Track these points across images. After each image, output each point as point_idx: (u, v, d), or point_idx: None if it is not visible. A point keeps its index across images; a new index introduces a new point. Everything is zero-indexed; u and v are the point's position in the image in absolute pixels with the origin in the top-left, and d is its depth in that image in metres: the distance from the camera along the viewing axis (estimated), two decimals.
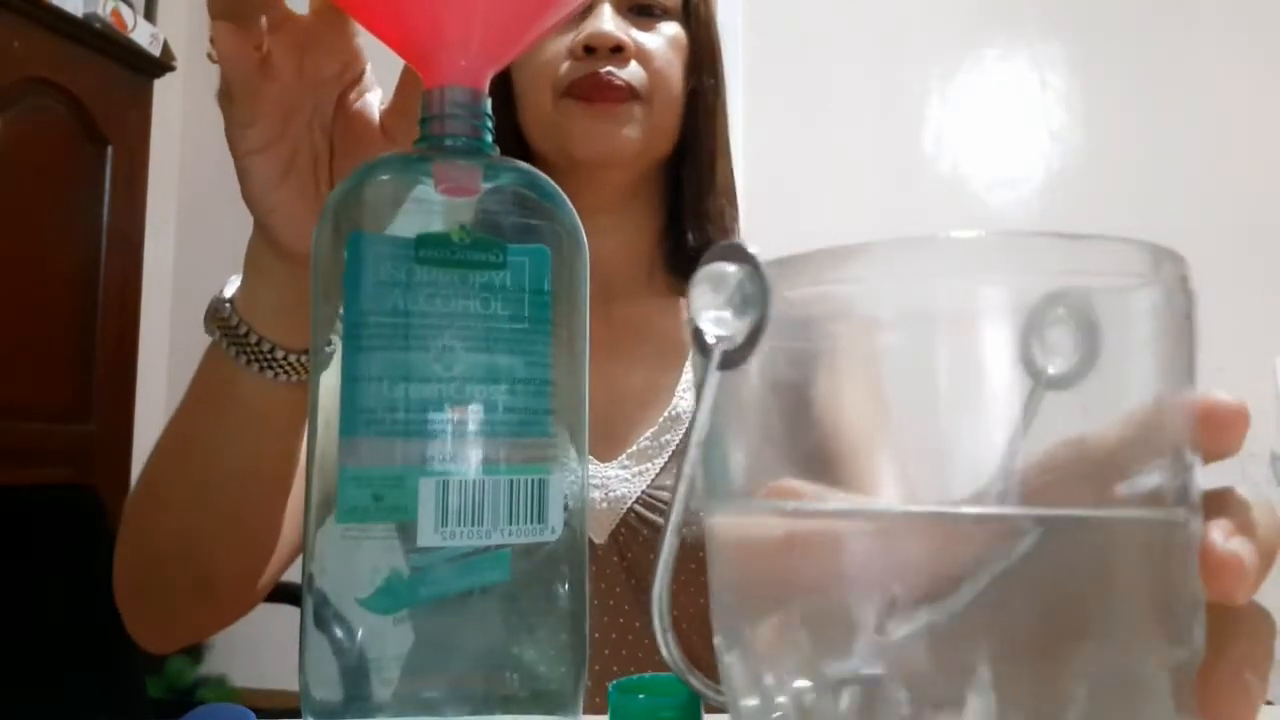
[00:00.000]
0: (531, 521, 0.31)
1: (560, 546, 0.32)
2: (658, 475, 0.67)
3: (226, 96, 0.42)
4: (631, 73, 0.69)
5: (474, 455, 0.30)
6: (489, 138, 0.34)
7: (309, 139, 0.44)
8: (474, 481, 0.30)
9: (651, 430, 0.69)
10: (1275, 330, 2.04)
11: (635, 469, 0.68)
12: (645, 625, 0.67)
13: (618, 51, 0.68)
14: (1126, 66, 2.18)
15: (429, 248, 0.31)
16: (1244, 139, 2.09)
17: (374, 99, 0.46)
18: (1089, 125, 2.14)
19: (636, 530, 0.66)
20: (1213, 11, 2.13)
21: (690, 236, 0.74)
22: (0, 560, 1.89)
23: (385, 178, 0.33)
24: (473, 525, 0.30)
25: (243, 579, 0.56)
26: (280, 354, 0.47)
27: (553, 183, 0.35)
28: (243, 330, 0.47)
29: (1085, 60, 2.20)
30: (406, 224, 0.32)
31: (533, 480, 0.31)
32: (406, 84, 0.44)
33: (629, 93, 0.68)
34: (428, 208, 0.33)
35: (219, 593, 0.56)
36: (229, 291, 0.49)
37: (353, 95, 0.45)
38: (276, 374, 0.48)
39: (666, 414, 0.69)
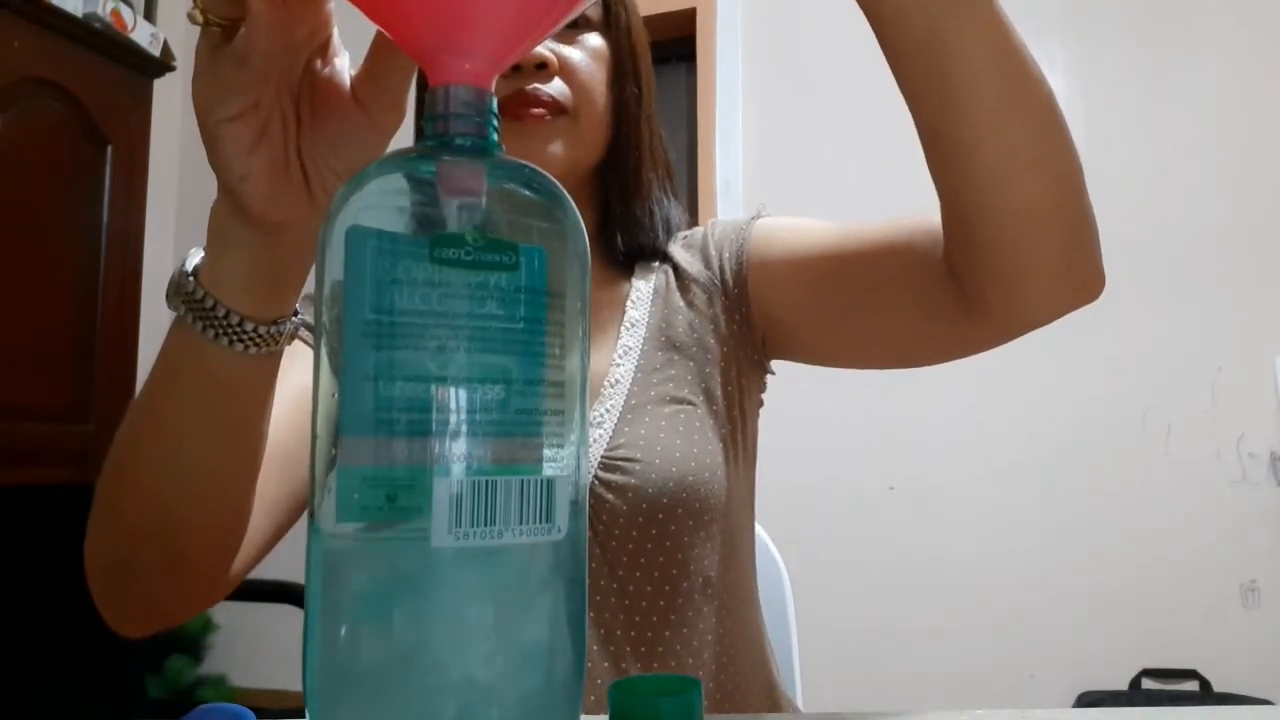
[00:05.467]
0: (540, 520, 0.31)
1: (565, 544, 0.32)
2: (610, 437, 0.71)
3: (210, 62, 0.41)
4: (556, 88, 0.72)
5: (487, 455, 0.30)
6: (494, 137, 0.34)
7: (279, 105, 0.43)
8: (487, 482, 0.30)
9: (597, 400, 0.73)
10: (1275, 330, 2.04)
11: (591, 436, 0.71)
12: (619, 601, 0.68)
13: (542, 68, 0.71)
14: (1126, 66, 2.18)
15: (444, 247, 0.31)
16: (1244, 139, 2.09)
17: (342, 64, 0.45)
18: (1089, 125, 2.14)
19: (603, 499, 0.69)
20: (1212, 12, 2.13)
21: (620, 240, 0.79)
22: (0, 560, 1.89)
23: (391, 176, 0.33)
24: (485, 525, 0.30)
25: (215, 558, 0.56)
26: (249, 326, 0.47)
27: (556, 182, 0.35)
28: (209, 303, 0.46)
29: (1085, 60, 2.20)
30: (412, 223, 0.32)
31: (541, 480, 0.31)
32: (379, 49, 0.44)
33: (555, 107, 0.71)
34: (433, 207, 0.32)
35: (192, 572, 0.55)
36: (191, 265, 0.48)
37: (320, 60, 0.44)
38: (246, 346, 0.47)
39: (606, 382, 0.74)
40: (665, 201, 0.82)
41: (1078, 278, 0.57)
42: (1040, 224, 0.54)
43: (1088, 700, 2.00)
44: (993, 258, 0.56)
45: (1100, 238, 0.58)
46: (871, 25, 0.52)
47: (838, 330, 0.73)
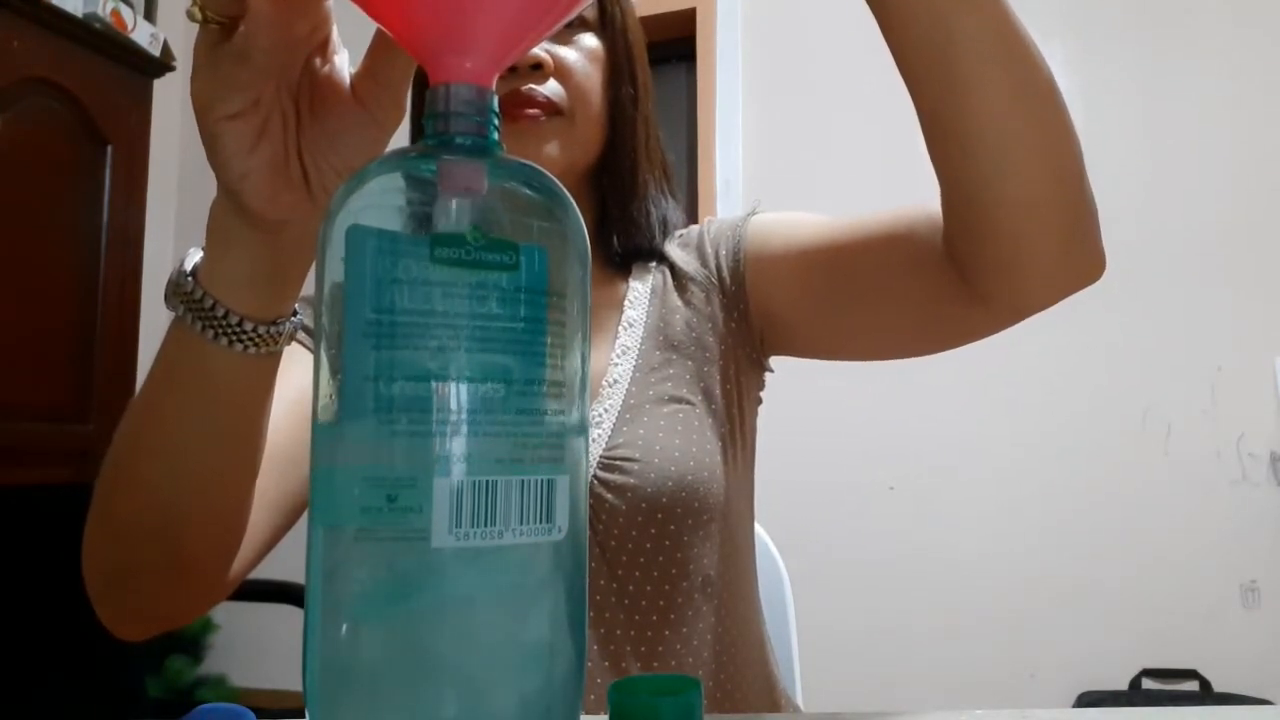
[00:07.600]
0: (541, 521, 0.31)
1: (565, 544, 0.32)
2: (609, 437, 0.71)
3: (209, 60, 0.41)
4: (551, 89, 0.72)
5: (487, 455, 0.30)
6: (495, 135, 0.34)
7: (279, 103, 0.43)
8: (487, 482, 0.30)
9: (596, 400, 0.73)
10: (1275, 330, 2.04)
11: (590, 436, 0.70)
12: (619, 601, 0.68)
13: (537, 69, 0.71)
14: (1126, 66, 2.18)
15: (444, 247, 0.31)
16: (1244, 139, 2.09)
17: (342, 61, 0.45)
18: (1089, 124, 2.13)
19: (602, 499, 0.69)
20: (1212, 11, 2.13)
21: (617, 240, 0.79)
22: (0, 560, 1.89)
23: (391, 174, 0.33)
24: (485, 526, 0.30)
25: (215, 559, 0.55)
26: (248, 326, 0.46)
27: (556, 181, 0.35)
28: (208, 303, 0.46)
29: (1085, 60, 2.20)
30: (412, 222, 0.32)
31: (541, 480, 0.31)
32: (379, 47, 0.43)
33: (550, 108, 0.71)
34: (433, 206, 0.32)
35: (191, 573, 0.54)
36: (190, 264, 0.47)
37: (320, 58, 0.44)
38: (245, 346, 0.47)
39: (605, 381, 0.74)
40: (663, 202, 0.82)
41: (1079, 262, 0.58)
42: (1041, 211, 0.54)
43: (1088, 700, 2.00)
44: (994, 244, 0.57)
45: (1100, 222, 0.58)
46: (875, 15, 0.52)
47: (837, 322, 0.73)
